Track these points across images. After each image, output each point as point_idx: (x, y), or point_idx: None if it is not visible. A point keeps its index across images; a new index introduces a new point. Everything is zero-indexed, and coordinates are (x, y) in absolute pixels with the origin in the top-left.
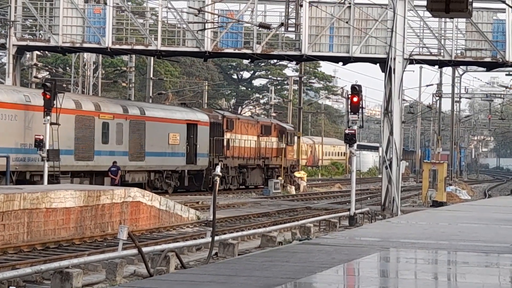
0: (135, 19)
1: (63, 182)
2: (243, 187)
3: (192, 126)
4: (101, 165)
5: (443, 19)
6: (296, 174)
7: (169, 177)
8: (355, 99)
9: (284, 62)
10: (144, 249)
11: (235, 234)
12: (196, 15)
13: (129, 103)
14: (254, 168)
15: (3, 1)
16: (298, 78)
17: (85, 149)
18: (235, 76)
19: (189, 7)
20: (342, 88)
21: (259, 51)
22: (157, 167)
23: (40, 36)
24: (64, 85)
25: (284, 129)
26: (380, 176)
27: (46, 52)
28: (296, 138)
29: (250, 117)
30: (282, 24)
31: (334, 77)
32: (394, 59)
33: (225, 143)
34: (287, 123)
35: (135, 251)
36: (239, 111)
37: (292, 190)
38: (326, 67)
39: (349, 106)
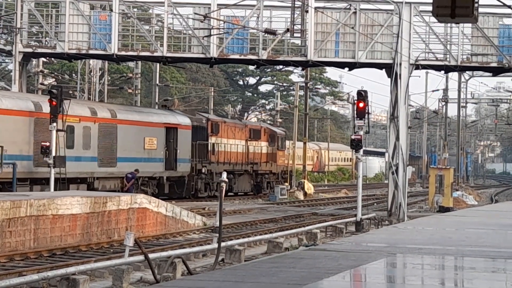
0: (141, 26)
1: (20, 190)
2: (231, 194)
3: (171, 130)
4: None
5: (449, 24)
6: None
7: (145, 184)
8: (361, 104)
9: (290, 68)
10: (151, 256)
11: (241, 240)
12: (201, 21)
13: (98, 105)
14: (241, 174)
15: (9, 8)
16: (304, 84)
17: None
18: (241, 82)
19: (195, 14)
20: (348, 93)
21: (265, 57)
22: None
23: (46, 43)
24: (70, 92)
25: (274, 133)
26: (386, 181)
27: (52, 59)
28: (287, 142)
29: (238, 120)
30: (287, 30)
31: (340, 82)
32: (400, 64)
33: (209, 148)
34: (278, 127)
35: (141, 257)
36: (245, 117)
37: (299, 195)
38: (332, 73)
39: (355, 112)
